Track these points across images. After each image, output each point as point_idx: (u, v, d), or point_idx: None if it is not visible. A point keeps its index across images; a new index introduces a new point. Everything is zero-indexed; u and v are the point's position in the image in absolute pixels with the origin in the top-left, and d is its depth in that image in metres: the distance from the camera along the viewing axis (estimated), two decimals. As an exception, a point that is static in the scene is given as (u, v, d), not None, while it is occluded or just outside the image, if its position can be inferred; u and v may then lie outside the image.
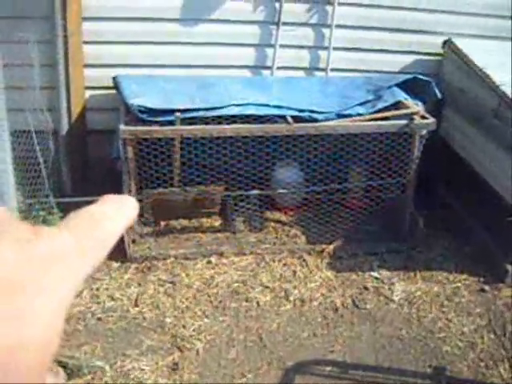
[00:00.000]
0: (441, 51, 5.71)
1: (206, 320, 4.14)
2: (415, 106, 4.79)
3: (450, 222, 5.42)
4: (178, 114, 4.34)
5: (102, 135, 5.14)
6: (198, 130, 4.36)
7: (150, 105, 4.38)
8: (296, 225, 5.21)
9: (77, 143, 5.29)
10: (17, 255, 0.44)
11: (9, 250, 0.44)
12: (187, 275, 4.55)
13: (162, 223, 5.04)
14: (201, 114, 4.42)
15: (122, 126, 4.30)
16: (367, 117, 4.64)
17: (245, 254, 4.80)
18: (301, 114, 4.55)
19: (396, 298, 4.51)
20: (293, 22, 5.36)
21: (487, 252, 4.98)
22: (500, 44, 5.74)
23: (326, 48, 5.47)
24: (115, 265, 4.61)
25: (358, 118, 4.63)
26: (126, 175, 4.45)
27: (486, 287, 4.70)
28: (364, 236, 5.12)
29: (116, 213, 0.53)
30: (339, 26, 5.43)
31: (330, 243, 4.92)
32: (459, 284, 4.72)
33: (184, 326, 4.07)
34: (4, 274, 0.43)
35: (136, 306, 4.23)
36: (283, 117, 4.52)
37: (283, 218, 5.31)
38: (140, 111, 4.35)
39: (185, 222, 5.10)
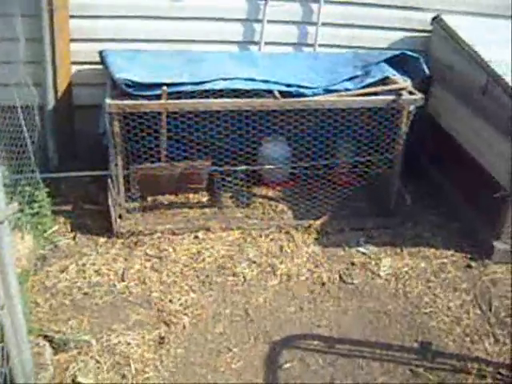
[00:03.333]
0: (430, 28, 5.68)
1: (192, 295, 4.14)
2: (403, 82, 4.77)
3: (438, 198, 5.43)
4: (164, 88, 4.30)
5: (89, 110, 5.11)
6: (184, 104, 4.33)
7: (136, 79, 4.34)
8: (283, 200, 5.21)
9: (63, 118, 5.26)
10: None
11: None
12: (174, 250, 4.54)
13: (149, 198, 5.03)
14: (188, 88, 4.39)
15: (108, 100, 4.27)
16: (355, 92, 4.62)
17: (232, 230, 4.79)
18: (288, 89, 4.53)
19: (383, 274, 4.52)
20: (281, -4, 5.34)
21: (474, 229, 4.99)
22: (490, 21, 5.73)
23: (315, 24, 5.45)
24: (102, 240, 4.60)
25: (346, 93, 4.61)
26: (113, 150, 4.42)
27: (473, 263, 4.72)
28: (351, 212, 5.13)
29: None
30: (328, 2, 5.41)
31: (317, 219, 4.92)
32: (446, 260, 4.74)
33: (171, 301, 4.07)
34: None
35: (122, 280, 4.22)
36: (270, 92, 4.50)
37: (270, 193, 5.32)
38: (126, 85, 4.32)
39: (172, 198, 5.09)
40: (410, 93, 4.70)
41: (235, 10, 5.32)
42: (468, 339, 4.02)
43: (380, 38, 5.69)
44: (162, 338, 3.77)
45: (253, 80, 4.52)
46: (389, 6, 5.57)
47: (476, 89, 4.91)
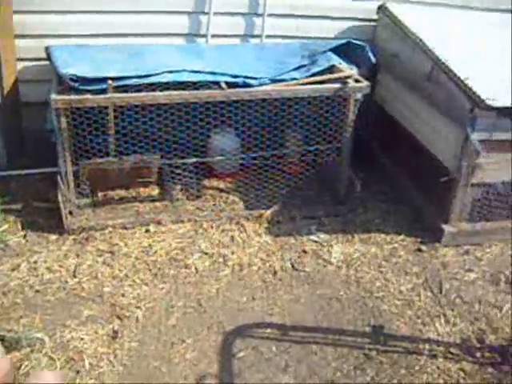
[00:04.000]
0: (375, 17, 5.74)
1: (145, 288, 4.14)
2: (349, 70, 4.81)
3: (388, 184, 5.49)
4: (110, 82, 4.28)
5: (37, 107, 5.05)
6: (130, 97, 4.31)
7: (82, 74, 4.31)
8: (234, 191, 5.22)
9: (10, 116, 5.21)
10: None
11: None
12: (125, 244, 4.53)
13: (100, 194, 5.00)
14: (134, 81, 4.37)
15: (54, 96, 4.23)
16: (301, 81, 4.64)
17: (183, 222, 4.80)
18: (235, 80, 4.54)
19: (334, 260, 4.56)
20: (227, -12, 5.35)
21: (423, 213, 5.06)
22: (433, 10, 5.81)
23: (261, 15, 5.46)
24: (53, 237, 4.56)
25: (292, 82, 4.63)
26: (61, 146, 4.39)
27: (423, 247, 4.79)
28: (302, 200, 5.16)
29: None
30: (274, -8, 5.43)
31: (268, 208, 4.95)
32: (396, 245, 4.80)
33: (123, 295, 4.06)
34: None
35: (74, 276, 4.19)
36: (217, 83, 4.50)
37: (221, 184, 5.32)
38: (72, 80, 4.28)
39: (122, 192, 5.07)
40: (356, 81, 4.74)
41: (181, 2, 5.31)
42: (419, 321, 4.09)
43: (326, 28, 5.72)
44: (116, 332, 3.76)
45: (199, 72, 4.52)
46: (335, -4, 5.61)
47: (421, 75, 4.98)
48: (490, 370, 3.76)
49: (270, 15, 5.48)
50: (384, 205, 5.29)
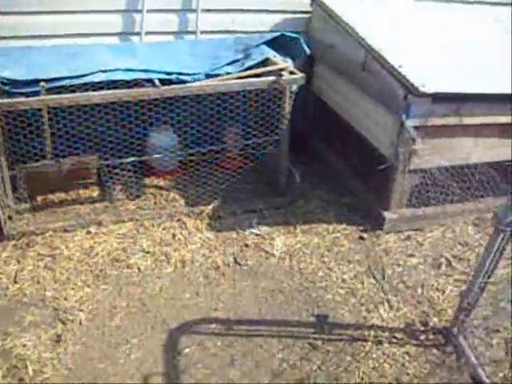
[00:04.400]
0: (310, 9, 5.76)
1: (87, 290, 4.10)
2: (283, 63, 4.82)
3: (328, 174, 5.54)
4: (42, 83, 4.24)
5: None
6: (63, 98, 4.25)
7: (13, 76, 4.25)
8: (174, 189, 5.21)
9: None
10: None
11: None
12: (67, 247, 4.48)
13: (39, 198, 4.93)
14: (67, 82, 4.32)
15: (-16, 100, 4.18)
16: (235, 75, 4.64)
17: (124, 222, 4.77)
18: (169, 77, 4.52)
19: (277, 253, 4.58)
20: (159, -15, 5.31)
21: (364, 201, 5.12)
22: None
23: (195, 11, 5.43)
24: (-8, 244, 4.51)
25: (227, 76, 4.62)
26: (-4, 150, 4.33)
27: (365, 235, 4.84)
28: (243, 194, 5.18)
29: None
30: (207, -12, 5.42)
31: (209, 204, 4.95)
32: (338, 234, 4.84)
33: (66, 298, 4.02)
34: None
35: (16, 282, 4.14)
36: (151, 81, 4.48)
37: (161, 183, 5.31)
38: (3, 83, 4.22)
39: (62, 195, 5.01)
40: (291, 73, 4.75)
41: (115, 1, 5.25)
42: (363, 308, 4.13)
43: (261, 22, 5.72)
44: (59, 337, 3.72)
45: (133, 70, 4.49)
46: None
47: (356, 65, 5.02)
48: (434, 351, 3.82)
49: (204, 11, 5.46)
50: (325, 195, 5.33)
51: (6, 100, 4.18)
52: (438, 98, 4.39)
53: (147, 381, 3.49)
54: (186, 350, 3.69)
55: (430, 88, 4.32)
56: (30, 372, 3.47)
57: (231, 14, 5.61)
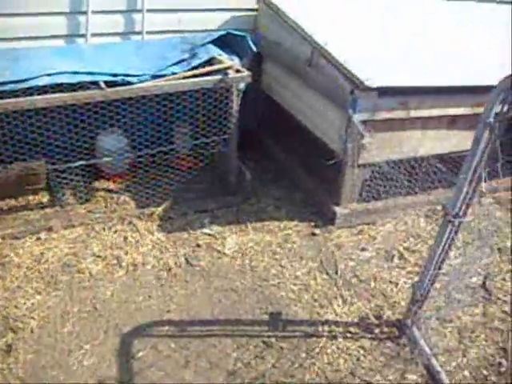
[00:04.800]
0: (256, 6, 5.76)
1: (38, 297, 4.06)
2: (229, 61, 4.81)
3: (278, 172, 5.55)
4: (-16, 89, 4.18)
5: None
6: (7, 103, 4.18)
7: (-46, 81, 4.19)
8: (124, 191, 5.18)
9: None
10: None
11: None
12: (16, 254, 4.42)
13: (-13, 205, 4.89)
14: (10, 87, 4.25)
15: None
16: (181, 75, 4.61)
17: (74, 226, 4.72)
18: (115, 79, 4.47)
19: (229, 252, 4.58)
20: (104, -14, 5.27)
21: (315, 197, 5.14)
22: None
23: (140, 11, 5.40)
24: None
25: (172, 76, 4.60)
26: None
27: (317, 231, 4.86)
28: (193, 194, 5.17)
29: None
30: (152, -12, 5.39)
31: (160, 205, 4.93)
32: (290, 231, 4.86)
33: (16, 306, 3.96)
34: None
35: (-36, 292, 4.10)
36: (97, 83, 4.44)
37: (111, 186, 5.27)
38: None
39: (11, 201, 4.96)
40: (237, 71, 4.75)
41: (59, 2, 5.18)
42: (317, 304, 4.15)
43: (208, 21, 5.70)
44: (10, 346, 3.67)
45: (77, 73, 4.43)
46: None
47: (302, 61, 5.04)
48: (388, 344, 3.86)
49: (150, 11, 5.42)
50: (276, 192, 5.35)
51: None
52: (384, 91, 4.42)
53: (101, 386, 3.49)
54: (140, 354, 3.67)
55: (375, 82, 4.35)
56: (-20, 384, 3.44)
57: (177, 14, 5.58)
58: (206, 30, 5.60)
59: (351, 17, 5.57)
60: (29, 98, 4.25)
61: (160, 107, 4.98)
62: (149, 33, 5.48)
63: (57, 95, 4.29)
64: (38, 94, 4.33)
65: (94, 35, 5.32)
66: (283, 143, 5.63)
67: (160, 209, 4.90)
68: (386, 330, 3.97)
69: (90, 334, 3.80)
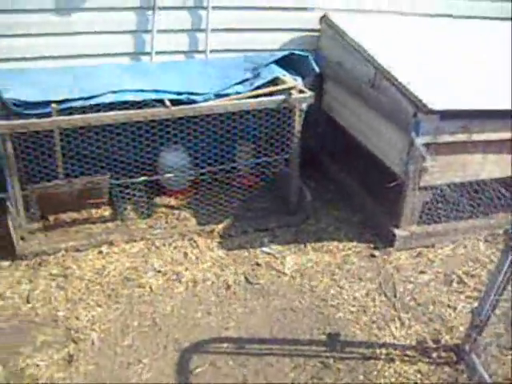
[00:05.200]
0: (318, 27, 5.79)
1: (99, 309, 4.12)
2: (293, 81, 4.85)
3: (338, 192, 5.55)
4: (54, 105, 4.27)
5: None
6: (75, 119, 4.29)
7: (25, 98, 4.28)
8: (185, 208, 5.23)
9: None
10: None
11: None
12: (79, 267, 4.50)
13: (51, 217, 4.95)
14: (78, 103, 4.35)
15: (-2, 121, 4.22)
16: (245, 95, 4.66)
17: (135, 241, 4.79)
18: (179, 97, 4.54)
19: (288, 271, 4.59)
20: (169, 6, 5.33)
21: (375, 219, 5.12)
22: (373, 17, 5.88)
23: (204, 30, 5.47)
24: (5, 263, 4.52)
25: (236, 96, 4.65)
26: (8, 171, 4.36)
27: (376, 253, 4.84)
28: (254, 213, 5.20)
29: None
30: (215, 8, 5.43)
31: (220, 223, 4.97)
32: (349, 252, 4.85)
33: (77, 318, 4.03)
34: None
35: (28, 302, 4.16)
36: (162, 101, 4.51)
37: (172, 202, 5.33)
38: (15, 105, 4.26)
39: (74, 215, 5.03)
40: (300, 91, 4.78)
41: (124, 22, 5.28)
42: (375, 326, 4.13)
43: (271, 40, 5.75)
44: (71, 356, 3.73)
45: (143, 91, 4.52)
46: (275, 8, 5.64)
47: (364, 82, 5.04)
48: (446, 369, 3.80)
49: (214, 30, 5.49)
50: (336, 212, 5.35)
51: (18, 121, 4.22)
52: (446, 115, 4.41)
53: (159, 401, 3.52)
54: (198, 370, 3.69)
55: (438, 105, 4.34)
56: (43, 392, 3.50)
57: (241, 33, 5.64)
58: (268, 50, 5.64)
59: (409, 38, 5.56)
60: (96, 114, 4.35)
61: (223, 125, 5.04)
62: (212, 51, 5.55)
63: (123, 112, 4.38)
64: (104, 111, 4.42)
65: (158, 53, 5.40)
66: (343, 163, 5.63)
67: (220, 226, 4.93)
68: (443, 354, 3.92)
69: (150, 349, 3.84)
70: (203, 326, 4.05)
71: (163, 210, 5.22)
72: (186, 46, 5.55)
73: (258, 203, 5.33)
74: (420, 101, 4.37)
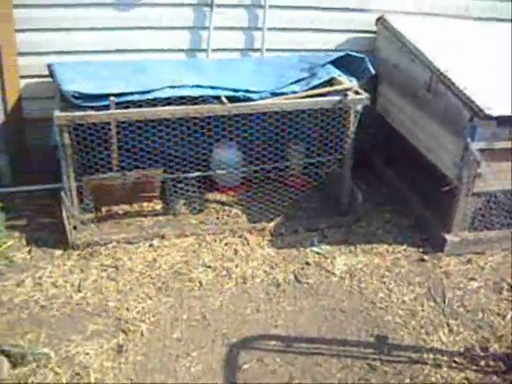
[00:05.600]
0: (374, 28, 5.77)
1: (149, 302, 4.16)
2: (349, 82, 4.85)
3: (389, 195, 5.52)
4: (112, 98, 4.33)
5: (40, 124, 5.08)
6: (132, 113, 4.35)
7: (84, 90, 4.35)
8: (236, 204, 5.27)
9: (14, 133, 5.24)
10: None
11: None
12: (130, 259, 4.55)
13: (103, 209, 5.03)
14: (136, 97, 4.41)
15: (57, 112, 4.28)
16: (301, 94, 4.68)
17: (186, 236, 4.82)
18: (236, 94, 4.57)
19: (337, 272, 4.58)
20: (226, 3, 5.37)
21: (426, 223, 5.09)
22: (431, 20, 5.85)
23: (261, 29, 5.50)
24: (58, 252, 4.58)
25: (293, 95, 4.66)
26: (64, 162, 4.42)
27: (426, 257, 4.81)
28: (305, 212, 5.22)
29: None
30: (272, 7, 5.47)
31: (271, 221, 4.98)
32: (399, 255, 4.83)
33: (128, 309, 4.08)
34: None
35: (79, 291, 4.22)
36: (218, 97, 4.54)
37: (224, 198, 5.37)
38: (74, 97, 4.32)
39: (126, 207, 5.10)
40: (356, 93, 4.78)
41: (182, 18, 5.35)
42: (423, 331, 4.10)
43: (326, 40, 5.77)
44: (121, 347, 3.77)
45: (200, 86, 4.55)
46: (332, 9, 5.65)
47: (420, 86, 5.02)
48: (494, 378, 3.77)
49: (270, 29, 5.52)
50: (386, 215, 5.33)
51: (77, 113, 4.29)
52: (503, 121, 4.37)
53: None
54: (246, 366, 3.71)
55: (495, 111, 4.30)
56: (92, 380, 3.54)
57: (297, 33, 5.66)
58: (323, 50, 5.66)
59: (468, 43, 5.52)
60: (153, 108, 4.40)
61: (276, 124, 5.05)
62: (268, 50, 5.57)
63: (180, 107, 4.42)
64: (160, 106, 4.46)
65: (214, 50, 5.44)
66: (395, 166, 5.60)
67: (271, 224, 4.95)
68: (491, 363, 3.88)
69: (198, 342, 3.87)
70: (252, 323, 4.06)
71: (215, 206, 5.26)
72: (242, 44, 5.59)
73: (308, 203, 5.34)
74: (477, 106, 4.34)
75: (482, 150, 4.43)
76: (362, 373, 3.73)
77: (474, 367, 3.84)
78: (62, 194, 4.59)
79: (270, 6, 5.44)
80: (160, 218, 5.05)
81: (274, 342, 3.93)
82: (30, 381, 3.48)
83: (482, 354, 3.95)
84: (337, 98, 4.69)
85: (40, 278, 4.32)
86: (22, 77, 5.17)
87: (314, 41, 5.72)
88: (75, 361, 3.65)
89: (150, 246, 4.71)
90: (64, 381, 3.51)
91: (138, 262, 4.53)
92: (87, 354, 3.71)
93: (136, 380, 3.56)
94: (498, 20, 6.09)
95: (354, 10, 5.72)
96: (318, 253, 4.77)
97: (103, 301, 4.15)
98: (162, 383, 3.57)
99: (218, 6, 5.34)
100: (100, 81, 4.58)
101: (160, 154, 4.98)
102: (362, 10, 5.74)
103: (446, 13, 5.95)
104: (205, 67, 5.04)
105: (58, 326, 3.91)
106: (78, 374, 3.57)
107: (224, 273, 4.49)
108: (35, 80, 5.20)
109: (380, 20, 5.69)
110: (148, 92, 4.46)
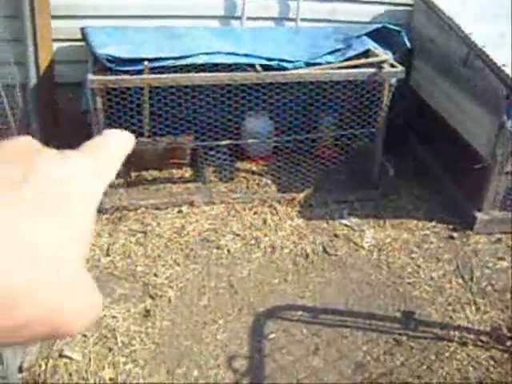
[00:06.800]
0: (411, 1, 5.70)
1: (177, 268, 4.17)
2: (384, 55, 4.80)
3: (421, 171, 5.47)
4: (146, 63, 4.31)
5: (72, 88, 5.08)
6: (166, 78, 4.33)
7: (118, 54, 4.34)
8: (266, 174, 5.25)
9: (46, 97, 5.23)
10: (57, 170, 0.50)
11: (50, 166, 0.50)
12: (158, 225, 4.56)
13: (133, 174, 5.04)
14: (169, 62, 4.39)
15: (90, 76, 4.27)
16: (336, 65, 4.64)
17: (215, 204, 4.82)
18: (270, 63, 4.54)
19: (366, 245, 4.56)
20: (262, -29, 5.33)
21: (456, 200, 5.04)
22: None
23: (296, -2, 5.45)
24: (86, 216, 4.59)
25: (327, 66, 4.63)
26: (95, 126, 4.43)
27: (455, 234, 4.77)
28: (334, 184, 5.17)
29: (119, 142, 0.61)
30: (309, -24, 5.41)
31: (301, 192, 4.96)
32: (428, 231, 4.79)
33: (155, 275, 4.10)
34: (49, 188, 0.48)
35: (107, 255, 4.25)
36: (252, 65, 4.51)
37: (254, 167, 5.35)
38: (108, 61, 4.31)
39: (155, 173, 5.11)
40: (392, 65, 4.73)
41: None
42: (450, 308, 4.08)
43: (362, 12, 5.69)
44: (148, 311, 3.79)
45: (234, 54, 4.53)
46: (370, -20, 5.58)
47: (457, 61, 4.95)
48: (520, 359, 3.75)
49: (306, -2, 5.47)
50: (417, 191, 5.28)
51: (111, 77, 4.28)
52: (542, 100, 4.31)
53: (231, 362, 3.54)
54: (272, 335, 3.72)
55: (533, 89, 4.25)
56: (119, 343, 3.56)
57: (332, 3, 5.59)
58: (358, 22, 5.59)
59: (504, 18, 5.43)
60: (188, 74, 4.38)
61: (310, 94, 5.02)
62: (302, 20, 5.52)
63: (215, 74, 4.40)
64: (194, 72, 4.45)
65: (248, 18, 5.40)
66: (427, 142, 5.54)
67: (301, 195, 4.93)
68: (518, 343, 3.87)
69: (225, 310, 3.88)
70: (279, 293, 4.06)
71: (244, 174, 5.24)
72: (276, 13, 5.53)
73: (338, 175, 5.30)
74: (514, 83, 4.28)
75: (517, 129, 4.38)
76: (388, 347, 3.72)
77: (500, 347, 3.81)
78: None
79: (307, -25, 5.40)
80: (189, 185, 5.05)
81: (300, 313, 3.93)
82: (57, 341, 3.50)
83: (508, 334, 3.91)
84: (372, 70, 4.64)
85: (68, 240, 4.34)
86: (55, 40, 5.16)
87: (350, 12, 5.65)
88: (103, 323, 3.67)
89: (179, 212, 4.72)
90: (91, 343, 3.53)
91: (167, 228, 4.54)
92: (114, 317, 3.73)
93: (162, 345, 3.58)
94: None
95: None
96: (346, 225, 4.75)
97: (131, 265, 4.17)
98: (187, 349, 3.58)
99: (254, -27, 5.30)
100: (134, 45, 4.56)
101: (192, 121, 4.96)
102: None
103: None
104: (239, 35, 5.00)
105: (86, 289, 3.94)
106: (105, 336, 3.59)
107: (252, 242, 4.48)
108: (68, 44, 5.18)
109: (417, -8, 5.61)
110: (182, 58, 4.43)
